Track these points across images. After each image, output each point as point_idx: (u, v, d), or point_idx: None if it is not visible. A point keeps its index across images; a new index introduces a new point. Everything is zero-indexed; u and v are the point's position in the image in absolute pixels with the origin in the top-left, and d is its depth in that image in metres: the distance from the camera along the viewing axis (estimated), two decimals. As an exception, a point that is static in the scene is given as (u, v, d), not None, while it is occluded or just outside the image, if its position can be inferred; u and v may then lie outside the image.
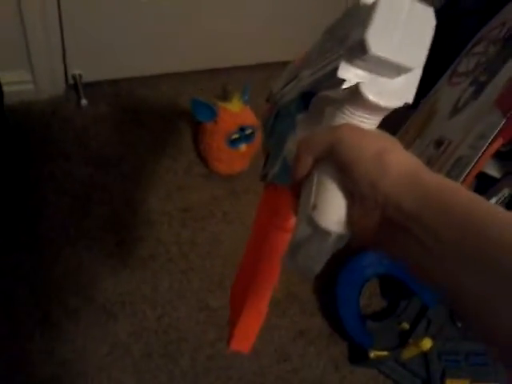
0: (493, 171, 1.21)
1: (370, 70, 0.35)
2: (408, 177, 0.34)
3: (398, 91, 0.36)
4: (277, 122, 0.53)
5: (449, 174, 1.14)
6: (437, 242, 0.31)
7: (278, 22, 1.27)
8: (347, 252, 1.13)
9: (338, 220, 0.37)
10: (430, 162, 1.21)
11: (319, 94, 0.41)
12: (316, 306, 1.16)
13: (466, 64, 1.26)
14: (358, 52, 0.33)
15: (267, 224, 0.55)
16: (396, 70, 0.34)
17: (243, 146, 1.16)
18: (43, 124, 1.11)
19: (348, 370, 1.13)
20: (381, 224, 0.35)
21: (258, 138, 1.17)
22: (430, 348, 1.11)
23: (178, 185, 1.16)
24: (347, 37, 0.34)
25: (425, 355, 1.13)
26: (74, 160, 1.10)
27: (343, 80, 0.35)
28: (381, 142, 0.36)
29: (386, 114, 0.38)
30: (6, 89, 0.99)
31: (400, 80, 0.36)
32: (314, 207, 0.37)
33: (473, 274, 0.30)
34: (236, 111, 1.14)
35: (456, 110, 1.21)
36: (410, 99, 0.36)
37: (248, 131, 1.15)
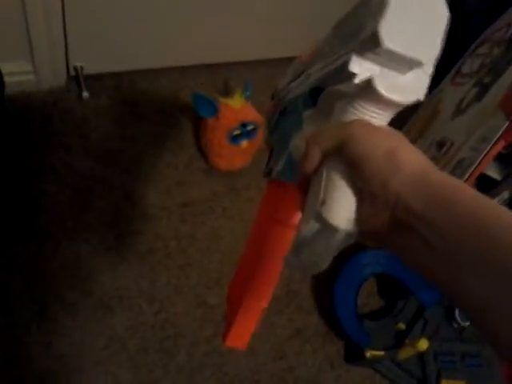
0: (493, 173, 1.21)
1: (381, 64, 0.35)
2: (418, 177, 0.33)
3: (410, 87, 0.35)
4: (282, 118, 0.53)
5: (451, 175, 1.14)
6: (441, 241, 0.31)
7: (280, 18, 1.26)
8: (345, 250, 1.13)
9: (347, 217, 0.37)
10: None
11: (329, 89, 0.40)
12: (313, 305, 1.16)
13: (469, 65, 1.25)
14: (370, 45, 0.33)
15: (270, 220, 0.55)
16: (408, 63, 0.34)
17: (244, 142, 1.16)
18: (44, 115, 1.11)
19: (344, 369, 1.14)
20: (391, 223, 0.35)
21: (260, 134, 1.16)
22: (427, 349, 1.11)
23: (177, 180, 1.16)
24: (358, 30, 0.34)
25: (421, 355, 1.13)
26: (74, 152, 1.10)
27: (354, 74, 0.35)
28: (392, 139, 0.36)
29: (397, 110, 0.37)
30: (7, 79, 0.99)
31: (411, 75, 0.35)
32: (323, 203, 0.37)
33: (474, 272, 0.30)
34: (237, 107, 1.14)
35: (459, 111, 1.20)
36: (421, 96, 0.36)
37: (249, 127, 1.14)
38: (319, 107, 0.43)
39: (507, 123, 1.05)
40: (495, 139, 1.06)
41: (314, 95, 0.43)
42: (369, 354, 1.10)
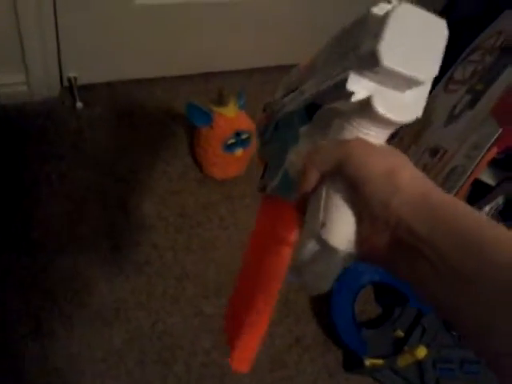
0: (487, 178, 1.22)
1: (380, 83, 0.34)
2: (419, 197, 0.33)
3: (408, 105, 0.35)
4: (276, 132, 0.52)
5: (444, 183, 1.14)
6: (444, 264, 0.31)
7: (273, 27, 1.27)
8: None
9: (348, 238, 0.36)
10: (425, 170, 1.21)
11: (326, 106, 0.40)
12: (311, 314, 1.15)
13: (462, 72, 1.26)
14: (369, 64, 0.33)
15: (267, 237, 0.53)
16: (408, 82, 0.33)
17: (239, 151, 1.15)
18: (38, 126, 1.10)
19: (343, 378, 1.13)
20: (392, 244, 0.34)
21: (254, 142, 1.16)
22: (425, 356, 1.11)
23: (173, 189, 1.15)
24: (357, 48, 0.34)
25: (419, 363, 1.13)
26: (68, 163, 1.09)
27: (352, 92, 0.34)
28: (391, 158, 0.36)
29: (395, 128, 0.37)
30: (0, 90, 0.98)
31: (410, 93, 0.35)
32: (323, 225, 0.37)
33: (477, 297, 0.29)
34: (231, 116, 1.14)
35: (452, 118, 1.21)
36: (419, 113, 0.35)
37: (244, 136, 1.14)
38: (315, 123, 0.43)
39: (500, 130, 1.06)
40: (488, 146, 1.07)
41: (310, 111, 0.43)
42: (368, 362, 1.10)
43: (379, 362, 1.11)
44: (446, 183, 1.16)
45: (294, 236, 0.50)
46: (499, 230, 0.31)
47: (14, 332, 0.93)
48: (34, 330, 0.94)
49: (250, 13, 1.20)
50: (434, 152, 1.23)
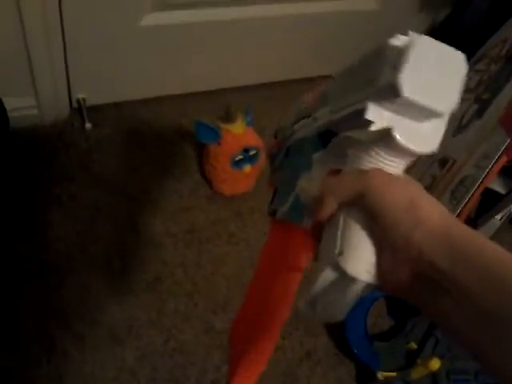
0: (498, 187, 1.21)
1: (399, 113, 0.34)
2: (440, 230, 0.33)
3: (427, 135, 0.35)
4: (287, 158, 0.53)
5: (454, 193, 1.14)
6: (467, 300, 0.31)
7: (276, 43, 1.28)
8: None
9: (366, 268, 0.36)
10: (434, 181, 1.21)
11: (342, 135, 0.40)
12: (322, 327, 1.15)
13: (468, 81, 1.26)
14: (388, 94, 0.33)
15: (276, 263, 0.54)
16: (427, 114, 0.33)
17: (247, 167, 1.16)
18: (48, 148, 1.12)
19: (356, 392, 1.13)
20: (414, 277, 0.34)
21: (262, 158, 1.17)
22: (439, 368, 1.10)
23: (182, 206, 1.16)
24: (375, 78, 0.34)
25: (433, 375, 1.12)
26: (78, 184, 1.10)
27: (370, 122, 0.34)
28: (412, 190, 0.36)
29: (413, 158, 0.37)
30: (11, 114, 1.00)
31: (428, 124, 0.35)
32: (341, 253, 0.36)
33: (495, 330, 0.29)
34: (239, 133, 1.15)
35: (460, 128, 1.21)
36: (436, 145, 0.36)
37: (252, 152, 1.15)
38: (330, 150, 0.43)
39: (508, 140, 1.05)
40: (497, 156, 1.06)
41: (324, 138, 0.43)
42: (380, 375, 1.09)
43: (392, 374, 1.10)
44: (456, 193, 1.15)
45: (304, 262, 0.50)
46: None
47: (28, 352, 0.94)
48: (48, 350, 0.95)
49: (254, 30, 1.21)
50: (443, 162, 1.22)
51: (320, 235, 0.40)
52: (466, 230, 0.34)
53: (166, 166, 1.19)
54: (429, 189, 1.22)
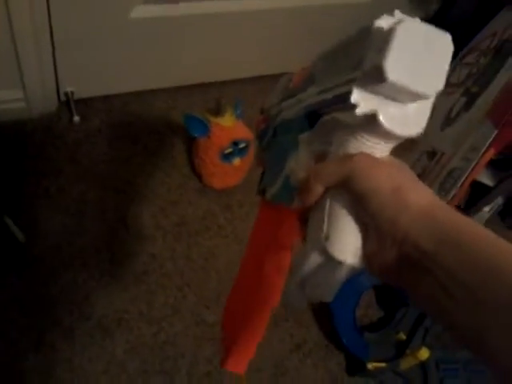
0: (486, 179, 1.22)
1: (384, 96, 0.34)
2: (426, 213, 0.33)
3: (412, 118, 0.35)
4: (275, 138, 0.53)
5: (442, 185, 1.15)
6: (452, 281, 0.31)
7: (268, 36, 1.27)
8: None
9: (353, 251, 0.36)
10: (423, 173, 1.21)
11: (328, 117, 0.40)
12: (312, 318, 1.16)
13: (457, 74, 1.27)
14: (373, 78, 0.33)
15: (266, 242, 0.54)
16: (413, 97, 0.33)
17: (237, 160, 1.16)
18: (36, 141, 1.11)
19: (346, 382, 1.13)
20: (399, 260, 0.34)
21: (252, 151, 1.17)
22: (428, 357, 1.12)
23: (172, 200, 1.16)
24: (361, 61, 0.34)
25: (423, 365, 1.13)
26: (66, 177, 1.10)
27: (356, 105, 0.34)
28: (398, 173, 0.36)
29: (399, 141, 0.37)
30: (-2, 107, 1.00)
31: (414, 106, 0.35)
32: (327, 237, 0.37)
33: (499, 321, 0.29)
34: (229, 125, 1.14)
35: (448, 121, 1.21)
36: (423, 126, 0.36)
37: (241, 145, 1.15)
38: (316, 131, 0.43)
39: (495, 132, 1.06)
40: (485, 148, 1.07)
41: (311, 118, 0.43)
42: (370, 365, 1.10)
43: (382, 365, 1.11)
44: (445, 185, 1.16)
45: (293, 240, 0.50)
46: (502, 243, 0.31)
47: (16, 346, 0.94)
48: (36, 343, 0.95)
49: (244, 23, 1.21)
50: (432, 155, 1.23)
51: (307, 218, 0.40)
52: (451, 213, 0.34)
53: (155, 160, 1.19)
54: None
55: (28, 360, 0.93)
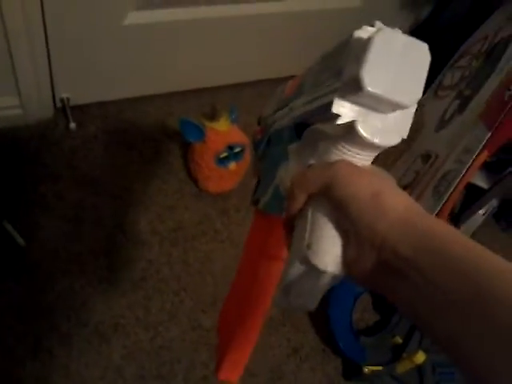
0: (481, 182, 1.23)
1: (364, 106, 0.34)
2: (404, 219, 0.33)
3: (393, 127, 0.35)
4: (269, 147, 0.53)
5: (437, 188, 1.15)
6: (430, 287, 0.31)
7: (264, 41, 1.28)
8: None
9: (334, 260, 0.36)
10: (418, 176, 1.22)
11: (312, 127, 0.40)
12: (309, 323, 1.16)
13: (450, 77, 1.28)
14: (352, 88, 0.33)
15: (259, 252, 0.54)
16: (392, 106, 0.34)
17: (232, 165, 1.17)
18: (32, 148, 1.12)
19: (342, 386, 1.14)
20: (378, 266, 0.34)
21: (247, 155, 1.18)
22: (424, 361, 1.12)
23: (168, 205, 1.17)
24: (341, 71, 0.34)
25: (419, 368, 1.13)
26: (63, 183, 1.10)
27: (337, 115, 0.34)
28: (377, 181, 0.36)
29: (380, 151, 0.37)
30: (-6, 114, 1.00)
31: (394, 115, 0.35)
32: (309, 246, 0.37)
33: (472, 327, 0.29)
34: (224, 130, 1.15)
35: (442, 124, 1.22)
36: (404, 135, 0.36)
37: (237, 149, 1.16)
38: (303, 141, 0.43)
39: (489, 134, 1.06)
40: (478, 150, 1.08)
41: (299, 128, 0.43)
42: (367, 369, 1.10)
43: (378, 369, 1.11)
44: (439, 188, 1.16)
45: (284, 251, 0.50)
46: (488, 254, 0.31)
47: (13, 352, 0.94)
48: (33, 349, 0.95)
49: (239, 28, 1.22)
50: (426, 158, 1.24)
51: (293, 227, 0.41)
52: (429, 218, 0.34)
53: (151, 165, 1.19)
54: (412, 184, 1.23)
55: (25, 366, 0.93)
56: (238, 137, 1.17)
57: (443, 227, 0.33)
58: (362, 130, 0.34)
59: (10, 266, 1.00)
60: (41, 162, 1.11)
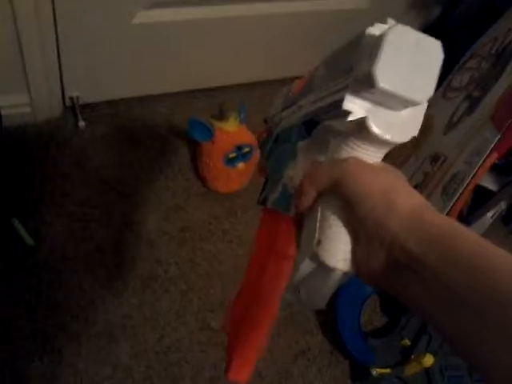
0: (489, 184, 1.22)
1: (376, 103, 0.34)
2: (414, 217, 0.33)
3: (404, 125, 0.35)
4: (276, 145, 0.53)
5: (445, 190, 1.15)
6: (437, 282, 0.31)
7: (271, 41, 1.28)
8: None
9: (344, 257, 0.36)
10: (426, 178, 1.22)
11: (322, 124, 0.40)
12: (316, 325, 1.16)
13: (459, 79, 1.27)
14: (364, 85, 0.33)
15: (267, 251, 0.54)
16: (404, 103, 0.33)
17: (240, 165, 1.17)
18: (41, 146, 1.12)
19: (350, 388, 1.13)
20: (387, 264, 0.34)
21: (255, 156, 1.17)
22: (432, 364, 1.11)
23: (176, 204, 1.16)
24: (353, 68, 0.34)
25: (427, 371, 1.13)
26: (72, 181, 1.10)
27: (348, 112, 0.34)
28: (387, 178, 0.36)
29: (391, 147, 0.37)
30: (4, 112, 1.00)
31: (406, 112, 0.35)
32: (319, 243, 0.37)
33: (487, 325, 0.28)
34: (232, 130, 1.15)
35: (451, 125, 1.22)
36: (415, 132, 0.35)
37: (245, 150, 1.15)
38: (313, 139, 0.43)
39: (498, 136, 1.06)
40: (488, 152, 1.07)
41: (308, 126, 0.43)
42: (375, 371, 1.10)
43: (386, 371, 1.11)
44: (448, 190, 1.16)
45: (292, 249, 0.50)
46: (500, 251, 0.31)
47: (21, 350, 0.93)
48: (41, 347, 0.95)
49: (247, 28, 1.22)
50: (435, 159, 1.23)
51: (302, 225, 0.40)
52: (439, 216, 0.34)
53: (159, 164, 1.19)
54: (421, 186, 1.22)
55: (33, 365, 0.93)
56: (247, 137, 1.16)
57: (454, 225, 0.33)
58: (373, 126, 0.34)
59: (18, 264, 1.00)
60: (49, 160, 1.11)
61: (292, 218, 0.43)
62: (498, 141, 1.08)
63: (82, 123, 1.14)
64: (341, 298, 1.15)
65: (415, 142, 1.27)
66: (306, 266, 0.38)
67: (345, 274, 0.37)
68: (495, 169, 1.16)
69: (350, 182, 0.35)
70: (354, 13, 1.29)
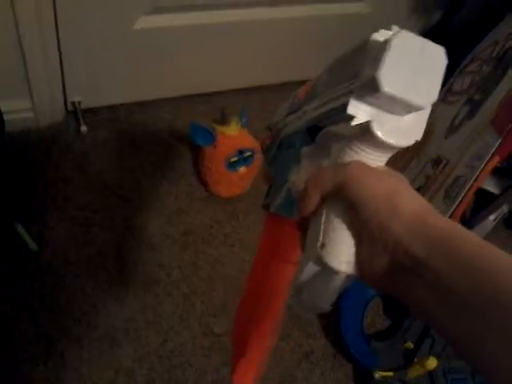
0: (492, 187, 1.23)
1: (380, 107, 0.35)
2: (417, 221, 0.33)
3: (408, 129, 0.35)
4: (280, 151, 0.53)
5: (447, 193, 1.15)
6: (441, 285, 0.31)
7: (273, 45, 1.29)
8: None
9: (347, 260, 0.36)
10: (428, 181, 1.22)
11: (326, 129, 0.40)
12: (320, 328, 1.15)
13: (460, 82, 1.28)
14: (369, 89, 0.33)
15: (271, 255, 0.54)
16: (408, 108, 0.34)
17: (242, 169, 1.17)
18: (43, 151, 1.12)
19: (353, 392, 1.13)
20: (391, 267, 0.34)
21: (257, 160, 1.18)
22: (436, 367, 1.11)
23: (178, 208, 1.17)
24: (357, 73, 0.34)
25: (430, 374, 1.12)
26: (74, 186, 1.10)
27: (352, 116, 0.35)
28: (391, 181, 0.36)
29: (395, 151, 0.37)
30: (6, 117, 1.00)
31: (410, 117, 0.35)
32: (323, 246, 0.37)
33: (490, 328, 0.29)
34: (234, 135, 1.15)
35: (452, 129, 1.22)
36: (419, 136, 0.36)
37: (247, 154, 1.16)
38: (317, 144, 0.43)
39: (500, 140, 1.06)
40: (489, 156, 1.07)
41: (312, 132, 0.44)
42: (378, 374, 1.09)
43: (389, 374, 1.10)
44: (450, 193, 1.16)
45: (296, 254, 0.50)
46: (502, 254, 0.31)
47: (24, 354, 0.93)
48: (44, 351, 0.94)
49: (248, 32, 1.22)
50: (437, 163, 1.23)
51: (306, 228, 0.41)
52: (443, 220, 0.34)
53: (161, 169, 1.19)
54: (423, 189, 1.23)
55: (36, 369, 0.93)
56: (248, 141, 1.17)
57: (457, 228, 0.33)
58: (377, 130, 0.35)
59: (21, 268, 1.00)
60: (52, 164, 1.11)
61: (295, 223, 0.44)
62: (499, 144, 1.08)
63: (83, 128, 1.15)
64: (344, 300, 1.15)
65: (417, 145, 1.27)
66: (310, 270, 0.38)
67: (348, 276, 0.37)
68: (497, 172, 1.17)
69: (353, 185, 0.35)
70: (355, 18, 1.30)
